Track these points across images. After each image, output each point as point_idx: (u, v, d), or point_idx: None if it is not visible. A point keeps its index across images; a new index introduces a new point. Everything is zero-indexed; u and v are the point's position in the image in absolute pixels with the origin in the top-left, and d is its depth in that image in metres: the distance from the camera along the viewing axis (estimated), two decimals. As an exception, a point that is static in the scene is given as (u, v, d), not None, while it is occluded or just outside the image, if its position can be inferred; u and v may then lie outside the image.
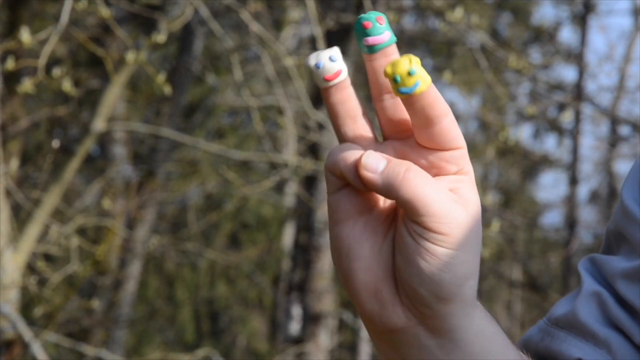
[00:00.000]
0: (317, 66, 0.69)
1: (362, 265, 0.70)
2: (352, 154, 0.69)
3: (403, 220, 0.69)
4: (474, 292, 0.71)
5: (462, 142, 0.70)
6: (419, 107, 0.67)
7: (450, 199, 0.69)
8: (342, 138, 0.72)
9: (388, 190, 0.68)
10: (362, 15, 0.68)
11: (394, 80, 0.66)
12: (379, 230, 0.71)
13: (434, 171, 0.70)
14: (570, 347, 0.81)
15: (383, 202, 0.72)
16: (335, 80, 0.70)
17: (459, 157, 0.70)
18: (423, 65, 0.67)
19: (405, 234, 0.69)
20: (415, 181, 0.67)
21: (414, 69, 0.66)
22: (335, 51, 0.69)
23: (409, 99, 0.67)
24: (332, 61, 0.69)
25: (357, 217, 0.71)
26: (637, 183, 0.83)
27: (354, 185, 0.70)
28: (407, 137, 0.71)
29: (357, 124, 0.71)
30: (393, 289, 0.70)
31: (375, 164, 0.68)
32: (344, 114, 0.71)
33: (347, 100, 0.71)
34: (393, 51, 0.69)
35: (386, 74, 0.66)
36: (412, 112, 0.68)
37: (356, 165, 0.69)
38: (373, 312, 0.71)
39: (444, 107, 0.68)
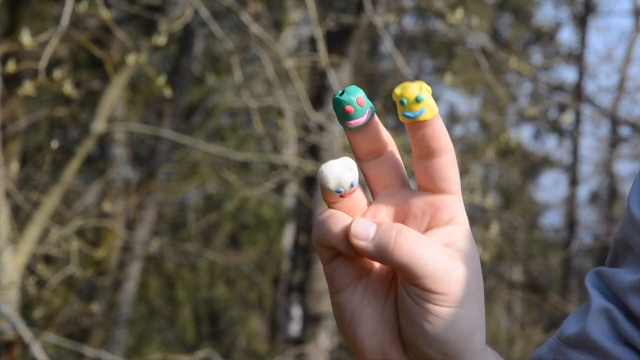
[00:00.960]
0: (338, 192, 0.69)
1: (367, 330, 0.70)
2: (339, 224, 0.68)
3: (402, 283, 0.69)
4: (483, 343, 0.70)
5: (457, 189, 0.69)
6: (421, 135, 0.67)
7: (445, 256, 0.68)
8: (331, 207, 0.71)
9: (381, 256, 0.67)
10: (342, 96, 0.67)
11: (400, 103, 0.66)
12: (380, 292, 0.71)
13: (426, 221, 0.69)
14: None
15: (379, 264, 0.71)
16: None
17: (451, 204, 0.69)
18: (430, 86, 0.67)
19: (406, 296, 0.68)
20: (408, 244, 0.66)
21: (421, 96, 0.65)
22: (354, 174, 0.68)
23: (412, 125, 0.67)
24: (353, 186, 0.69)
25: (356, 282, 0.70)
26: None
27: (346, 254, 0.69)
28: (396, 189, 0.70)
29: (351, 198, 0.70)
30: (401, 349, 0.70)
31: (365, 231, 0.67)
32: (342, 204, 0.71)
33: (350, 199, 0.70)
34: (373, 122, 0.69)
35: (394, 96, 0.66)
36: (413, 139, 0.68)
37: (346, 235, 0.68)
38: None
39: (446, 143, 0.67)
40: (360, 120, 0.67)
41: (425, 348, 0.68)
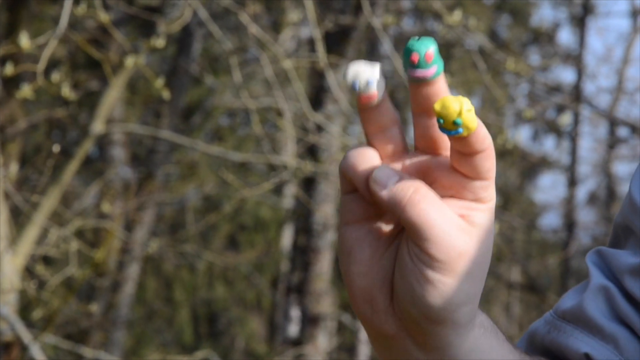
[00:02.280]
0: (353, 86, 0.68)
1: (360, 269, 0.70)
2: (366, 163, 0.69)
3: (406, 239, 0.69)
4: (470, 317, 0.70)
5: (491, 175, 0.68)
6: (460, 144, 0.67)
7: (455, 227, 0.67)
8: (369, 143, 0.71)
9: (393, 208, 0.67)
10: (412, 43, 0.66)
11: (438, 120, 0.65)
12: (383, 238, 0.71)
13: (451, 193, 0.69)
14: (577, 342, 0.81)
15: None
16: (368, 104, 0.69)
17: (480, 188, 0.68)
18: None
19: (405, 252, 0.69)
20: (421, 204, 0.67)
21: (459, 120, 0.64)
22: (375, 74, 0.67)
23: (451, 139, 0.67)
24: (369, 85, 0.67)
25: (364, 221, 0.71)
26: None
27: (363, 193, 0.70)
28: (437, 153, 0.70)
29: (386, 135, 0.70)
30: (388, 298, 0.70)
31: (385, 179, 0.68)
32: (373, 127, 0.70)
33: (378, 116, 0.70)
34: (437, 82, 0.68)
35: (434, 111, 0.66)
36: (450, 140, 0.68)
37: (367, 176, 0.68)
38: (366, 315, 0.71)
39: (484, 143, 0.67)
40: (424, 72, 0.66)
41: (409, 306, 0.68)
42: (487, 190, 0.69)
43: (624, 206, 0.84)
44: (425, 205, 0.67)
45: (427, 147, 0.70)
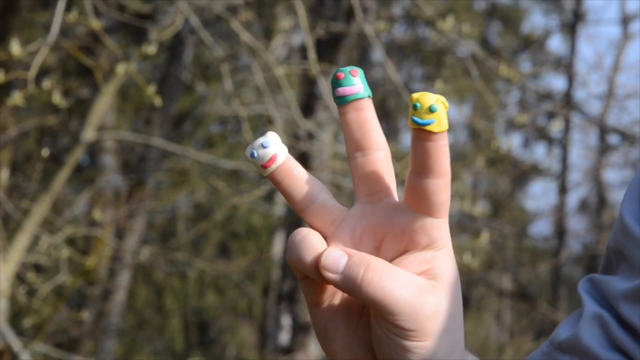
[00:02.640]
0: (252, 156, 0.67)
1: (341, 345, 0.70)
2: (310, 251, 0.67)
3: (373, 313, 0.69)
4: None
5: (442, 213, 0.67)
6: (422, 147, 0.66)
7: (416, 291, 0.66)
8: (305, 219, 0.69)
9: (349, 291, 0.67)
10: (340, 69, 0.67)
11: (413, 107, 0.65)
12: (354, 310, 0.71)
13: (405, 242, 0.68)
14: None
15: None
16: (273, 166, 0.68)
17: (432, 228, 0.67)
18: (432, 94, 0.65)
19: (377, 326, 0.68)
20: (376, 281, 0.66)
21: (436, 106, 0.65)
22: (269, 137, 0.67)
23: (417, 133, 0.65)
24: (264, 147, 0.67)
25: (330, 299, 0.70)
26: (636, 200, 0.82)
27: (317, 280, 0.69)
28: (379, 198, 0.69)
29: (317, 205, 0.69)
30: None
31: (336, 264, 0.66)
32: (296, 197, 0.69)
33: (295, 183, 0.69)
34: (366, 105, 0.67)
35: (410, 99, 0.65)
36: (414, 150, 0.66)
37: (316, 264, 0.67)
38: None
39: (443, 165, 0.66)
40: (349, 89, 0.66)
41: None
42: (441, 231, 0.68)
43: (616, 230, 0.83)
44: (380, 280, 0.66)
45: (369, 190, 0.68)
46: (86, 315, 6.39)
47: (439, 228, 0.68)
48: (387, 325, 0.67)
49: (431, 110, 0.64)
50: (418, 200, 0.67)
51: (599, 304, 0.81)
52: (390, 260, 0.69)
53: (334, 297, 0.70)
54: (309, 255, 0.67)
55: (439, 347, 0.67)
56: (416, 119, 0.65)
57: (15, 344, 4.51)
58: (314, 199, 0.69)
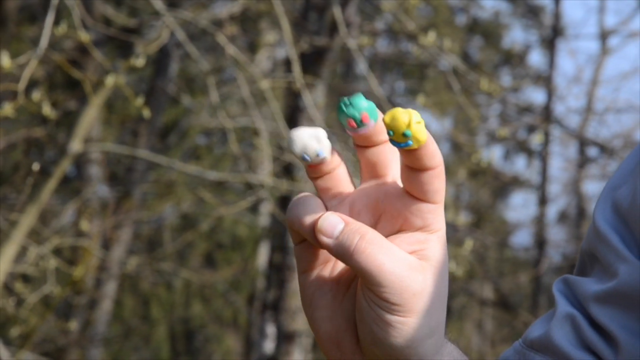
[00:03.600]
0: (303, 159, 0.68)
1: (324, 314, 0.71)
2: (310, 214, 0.69)
3: (360, 283, 0.69)
4: (435, 349, 0.71)
5: (438, 199, 0.69)
6: (408, 155, 0.68)
7: (406, 267, 0.67)
8: (315, 184, 0.71)
9: (341, 257, 0.67)
10: (344, 109, 0.66)
11: (388, 132, 0.66)
12: (342, 281, 0.71)
13: (400, 223, 0.69)
14: None
15: None
16: (319, 171, 0.70)
17: (427, 212, 0.69)
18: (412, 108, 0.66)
19: (362, 297, 0.69)
20: (368, 250, 0.66)
21: (408, 132, 0.65)
22: (322, 144, 0.67)
23: (399, 149, 0.68)
24: (319, 156, 0.68)
25: (321, 267, 0.71)
26: (608, 204, 0.83)
27: (312, 242, 0.70)
28: (382, 180, 0.70)
29: (330, 176, 0.71)
30: (354, 339, 0.71)
31: (331, 228, 0.67)
32: (318, 175, 0.71)
33: (324, 168, 0.70)
34: (377, 127, 0.68)
35: (383, 122, 0.66)
36: (401, 153, 0.68)
37: (313, 226, 0.68)
38: (334, 357, 0.72)
39: (434, 160, 0.68)
40: (363, 131, 0.67)
41: (372, 347, 0.69)
42: (436, 216, 0.69)
43: (589, 233, 0.84)
44: (373, 250, 0.66)
45: (373, 173, 0.70)
46: (74, 325, 6.42)
47: (433, 212, 0.69)
48: (373, 297, 0.67)
49: (405, 136, 0.65)
50: (413, 189, 0.69)
51: (571, 304, 0.82)
52: (385, 237, 0.69)
53: (325, 265, 0.71)
54: (307, 215, 0.69)
55: (421, 325, 0.68)
56: (394, 142, 0.66)
57: (3, 353, 4.54)
58: (330, 172, 0.71)
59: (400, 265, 0.67)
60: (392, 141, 0.66)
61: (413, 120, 0.65)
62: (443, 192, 0.69)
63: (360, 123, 0.67)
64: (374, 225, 0.70)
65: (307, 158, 0.68)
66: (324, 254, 0.71)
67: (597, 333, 0.80)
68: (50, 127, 7.06)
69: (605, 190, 0.84)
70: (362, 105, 0.66)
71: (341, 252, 0.67)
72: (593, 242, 0.83)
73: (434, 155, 0.67)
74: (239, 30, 6.51)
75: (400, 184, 0.70)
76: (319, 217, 0.68)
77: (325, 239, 0.68)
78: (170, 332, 10.75)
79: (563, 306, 0.82)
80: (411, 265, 0.68)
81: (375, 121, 0.67)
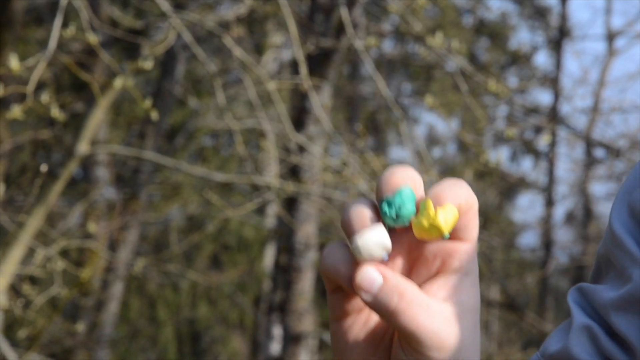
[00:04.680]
0: (369, 259, 0.68)
1: None
2: (346, 264, 0.68)
3: (399, 337, 0.69)
4: None
5: (472, 237, 0.69)
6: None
7: (446, 325, 0.68)
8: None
9: (380, 314, 0.67)
10: (389, 209, 0.68)
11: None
12: (378, 330, 0.71)
13: (436, 265, 0.69)
14: None
15: None
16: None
17: (464, 252, 0.69)
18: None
19: (398, 348, 0.69)
20: (408, 312, 0.66)
21: (447, 236, 0.67)
22: (387, 246, 0.67)
23: None
24: (384, 258, 0.68)
25: (355, 315, 0.70)
26: (625, 207, 0.82)
27: (349, 292, 0.69)
28: None
29: None
30: None
31: (370, 284, 0.67)
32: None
33: None
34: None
35: (417, 237, 0.68)
36: None
37: (350, 277, 0.67)
38: None
39: (469, 200, 0.68)
40: (404, 224, 0.68)
41: None
42: (471, 257, 0.69)
43: (605, 237, 0.83)
44: (413, 311, 0.66)
45: None
46: (81, 326, 6.43)
47: (468, 253, 0.69)
48: (411, 352, 0.67)
49: (444, 238, 0.67)
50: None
51: (587, 315, 0.81)
52: (421, 283, 0.70)
53: (360, 313, 0.71)
54: (343, 269, 0.68)
55: None
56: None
57: (10, 354, 4.55)
58: None
59: (440, 323, 0.67)
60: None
61: (445, 230, 0.66)
62: (476, 232, 0.69)
63: (402, 222, 0.68)
64: (410, 270, 0.70)
65: (373, 259, 0.68)
66: (358, 302, 0.70)
67: (614, 343, 0.79)
68: (58, 129, 7.07)
69: (621, 193, 0.83)
70: (404, 203, 0.67)
71: (380, 309, 0.67)
72: (609, 246, 0.82)
73: (474, 222, 0.69)
74: (245, 31, 6.52)
75: None
76: (356, 267, 0.67)
77: (364, 295, 0.67)
78: (177, 334, 10.76)
79: (579, 317, 0.81)
80: (450, 320, 0.68)
81: (413, 214, 0.68)
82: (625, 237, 0.80)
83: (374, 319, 0.71)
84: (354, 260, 0.68)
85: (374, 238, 0.67)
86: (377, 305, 0.67)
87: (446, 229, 0.66)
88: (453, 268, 0.69)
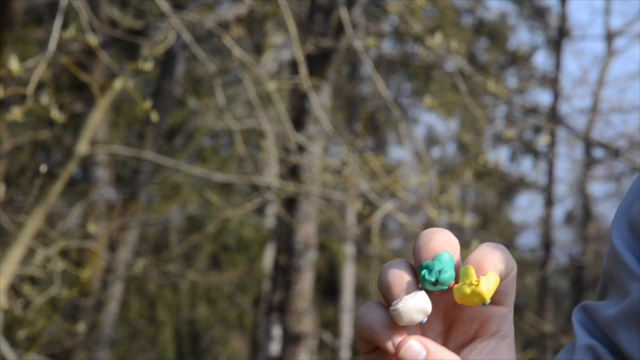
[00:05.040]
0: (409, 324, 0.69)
1: None
2: (384, 327, 0.68)
3: None
4: None
5: (510, 302, 0.70)
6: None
7: None
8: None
9: None
10: (429, 276, 0.68)
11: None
12: None
13: (475, 328, 0.70)
14: None
15: None
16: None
17: (501, 316, 0.70)
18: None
19: None
20: None
21: (488, 303, 0.68)
22: (428, 311, 0.68)
23: None
24: (423, 322, 0.69)
25: None
26: (624, 222, 0.82)
27: (386, 352, 0.69)
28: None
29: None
30: None
31: (414, 358, 0.67)
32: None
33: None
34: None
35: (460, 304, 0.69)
36: None
37: (389, 340, 0.68)
38: None
39: (507, 268, 0.69)
40: (443, 290, 0.69)
41: None
42: (507, 321, 0.70)
43: (607, 253, 0.84)
44: None
45: None
46: (82, 326, 6.43)
47: (506, 316, 0.70)
48: None
49: (485, 305, 0.68)
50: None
51: (591, 334, 0.81)
52: (458, 346, 0.70)
53: None
54: (381, 328, 0.68)
55: None
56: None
57: (10, 355, 4.56)
58: None
59: None
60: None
61: (487, 297, 0.67)
62: (514, 297, 0.70)
63: (441, 287, 0.69)
64: (446, 333, 0.71)
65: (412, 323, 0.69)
66: None
67: None
68: (57, 129, 7.08)
69: (621, 207, 0.83)
70: (444, 271, 0.68)
71: None
72: (611, 261, 0.82)
73: (509, 262, 0.69)
74: (245, 31, 6.52)
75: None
76: (396, 334, 0.68)
77: None
78: (176, 334, 10.77)
79: (582, 338, 0.81)
80: None
81: (451, 280, 0.69)
82: (624, 251, 0.80)
83: None
84: (393, 323, 0.68)
85: (415, 304, 0.68)
86: None
87: (488, 296, 0.67)
88: (491, 332, 0.69)
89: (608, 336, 0.80)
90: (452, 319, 0.70)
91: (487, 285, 0.67)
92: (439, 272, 0.67)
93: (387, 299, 0.69)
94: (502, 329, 0.70)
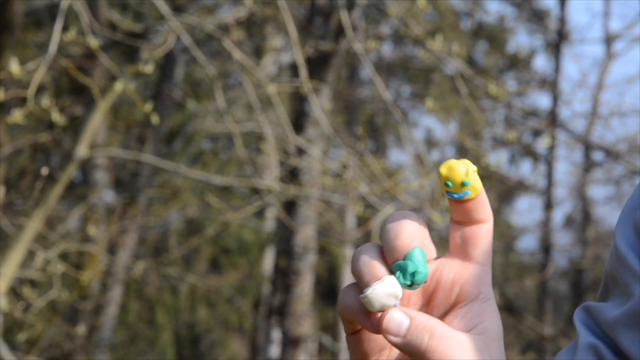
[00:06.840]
0: (380, 310, 0.68)
1: None
2: (365, 311, 0.68)
3: None
4: None
5: (487, 260, 0.69)
6: (463, 208, 0.68)
7: (474, 355, 0.68)
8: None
9: (411, 355, 0.67)
10: (407, 282, 0.67)
11: (445, 184, 0.67)
12: None
13: (455, 294, 0.69)
14: None
15: None
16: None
17: (479, 277, 0.69)
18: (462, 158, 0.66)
19: None
20: (440, 349, 0.66)
21: (467, 181, 0.66)
22: (399, 299, 0.68)
23: (455, 201, 0.68)
24: (397, 305, 0.68)
25: (378, 353, 0.70)
26: (629, 224, 0.82)
27: (370, 331, 0.69)
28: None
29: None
30: None
31: (397, 327, 0.67)
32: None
33: None
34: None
35: (439, 175, 0.67)
36: (454, 209, 0.69)
37: (371, 322, 0.68)
38: None
39: (486, 213, 0.68)
40: (419, 287, 0.68)
41: None
42: (487, 281, 0.69)
43: (611, 255, 0.84)
44: (444, 347, 0.66)
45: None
46: (81, 329, 6.43)
47: (484, 277, 0.69)
48: None
49: (464, 185, 0.67)
50: (464, 247, 0.69)
51: (593, 334, 0.82)
52: (442, 315, 0.70)
53: (383, 350, 0.71)
54: (361, 310, 0.68)
55: None
56: (452, 194, 0.67)
57: (9, 358, 4.55)
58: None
59: (470, 354, 0.67)
60: (449, 194, 0.67)
61: (470, 170, 0.66)
62: (491, 254, 0.69)
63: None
64: (427, 304, 0.71)
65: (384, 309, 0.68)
66: (378, 342, 0.70)
67: None
68: (57, 132, 7.08)
69: (626, 210, 0.83)
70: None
71: (411, 351, 0.67)
72: (614, 264, 0.82)
73: (488, 206, 0.68)
74: (244, 34, 6.52)
75: (442, 259, 0.71)
76: (383, 315, 0.67)
77: (393, 338, 0.67)
78: (176, 337, 10.77)
79: (585, 337, 0.81)
80: (478, 347, 0.68)
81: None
82: (628, 253, 0.80)
83: (395, 356, 0.71)
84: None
85: (384, 289, 0.67)
86: (407, 346, 0.66)
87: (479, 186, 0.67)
88: (472, 295, 0.69)
89: (610, 337, 0.80)
90: (430, 289, 0.70)
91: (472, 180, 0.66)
92: (413, 274, 0.67)
93: (359, 286, 0.68)
94: (482, 291, 0.69)
